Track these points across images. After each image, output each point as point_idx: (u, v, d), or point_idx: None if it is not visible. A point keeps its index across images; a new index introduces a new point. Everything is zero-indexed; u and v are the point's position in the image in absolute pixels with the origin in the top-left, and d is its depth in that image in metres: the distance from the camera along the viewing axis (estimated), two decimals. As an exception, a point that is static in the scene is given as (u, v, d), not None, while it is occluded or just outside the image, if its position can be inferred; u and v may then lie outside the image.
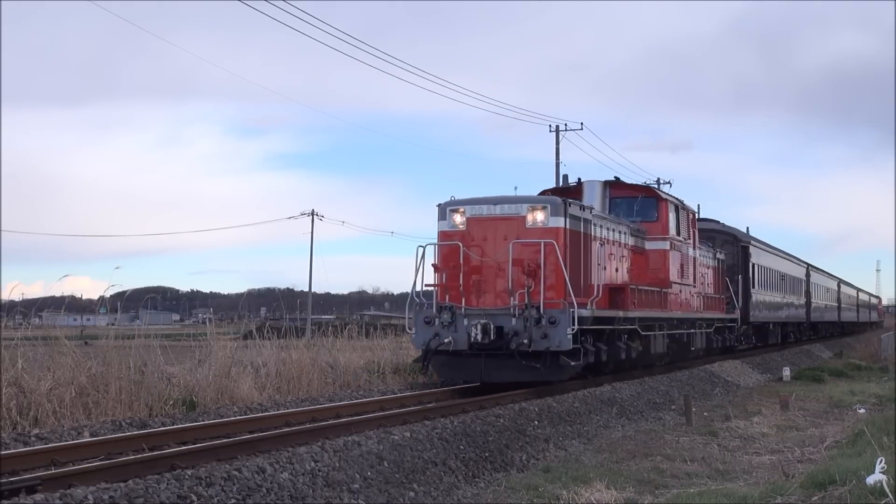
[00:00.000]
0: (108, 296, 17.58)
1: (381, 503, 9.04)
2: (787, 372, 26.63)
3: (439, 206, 16.73)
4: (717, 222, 32.84)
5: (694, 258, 23.74)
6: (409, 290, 16.60)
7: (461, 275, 16.05)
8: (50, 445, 10.03)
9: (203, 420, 12.57)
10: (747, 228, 38.88)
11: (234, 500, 7.96)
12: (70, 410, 12.71)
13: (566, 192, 19.41)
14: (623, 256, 19.40)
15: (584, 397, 15.72)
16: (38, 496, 7.17)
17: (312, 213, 66.60)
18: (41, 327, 16.78)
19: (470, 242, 16.29)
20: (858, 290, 73.51)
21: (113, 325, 17.82)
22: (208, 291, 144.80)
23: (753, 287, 32.35)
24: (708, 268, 26.37)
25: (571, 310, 15.28)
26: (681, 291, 22.45)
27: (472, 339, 15.47)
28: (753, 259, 32.81)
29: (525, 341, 15.30)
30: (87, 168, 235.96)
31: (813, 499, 8.74)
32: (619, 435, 14.36)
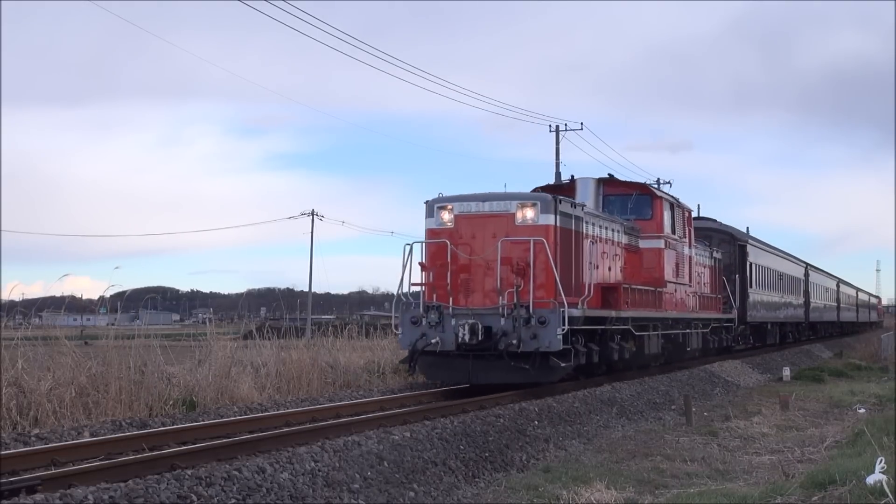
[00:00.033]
0: (108, 296, 17.59)
1: (381, 503, 9.04)
2: (786, 372, 26.60)
3: (427, 203, 16.39)
4: (714, 221, 32.58)
5: (690, 257, 23.38)
6: (395, 289, 16.27)
7: (449, 273, 15.72)
8: (50, 445, 10.03)
9: (203, 420, 12.57)
10: (747, 228, 38.90)
11: (234, 500, 7.96)
12: (70, 410, 12.71)
13: (559, 190, 19.08)
14: (616, 255, 19.04)
15: (584, 397, 15.71)
16: (38, 496, 7.17)
17: (312, 213, 66.64)
18: (41, 327, 16.77)
19: (458, 240, 15.93)
20: (858, 289, 73.40)
21: (113, 325, 17.82)
22: (208, 291, 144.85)
23: (751, 287, 32.05)
24: (704, 267, 26.04)
25: (562, 309, 14.92)
26: (676, 291, 22.11)
27: (460, 339, 15.13)
28: (751, 258, 32.50)
29: (514, 342, 14.96)
30: (87, 168, 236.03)
31: (813, 499, 8.74)
32: (619, 435, 14.36)
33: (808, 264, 47.43)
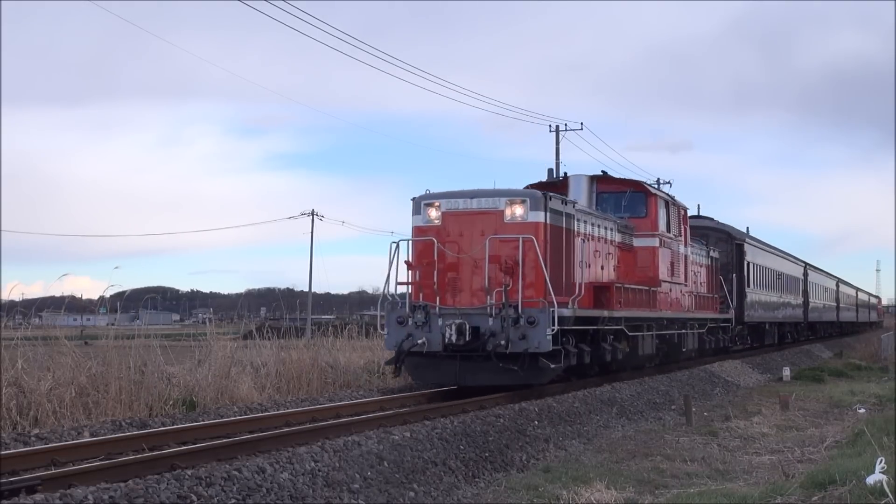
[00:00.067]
0: (108, 296, 17.58)
1: (381, 503, 9.04)
2: (786, 372, 26.57)
3: (414, 199, 16.02)
4: (711, 219, 32.27)
5: (685, 256, 23.02)
6: (381, 288, 15.95)
7: (436, 272, 15.35)
8: (50, 445, 10.03)
9: (203, 420, 12.56)
10: (747, 228, 38.75)
11: (234, 500, 7.96)
12: (70, 410, 12.71)
13: (552, 187, 18.63)
14: (609, 253, 18.67)
15: (584, 397, 15.70)
16: (38, 496, 7.17)
17: (312, 213, 66.65)
18: (41, 327, 16.78)
19: (445, 238, 15.54)
20: (858, 289, 73.29)
21: (113, 325, 17.83)
22: (208, 291, 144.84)
23: (748, 286, 31.72)
24: (701, 266, 25.67)
25: (551, 309, 14.54)
26: (671, 290, 21.73)
27: (447, 339, 14.75)
28: (748, 257, 32.17)
29: (502, 342, 14.58)
30: (87, 168, 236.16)
31: (813, 499, 8.74)
32: (619, 435, 14.35)
33: (806, 264, 47.11)
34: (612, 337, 17.79)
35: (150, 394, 13.97)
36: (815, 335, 48.65)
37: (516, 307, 14.67)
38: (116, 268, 35.73)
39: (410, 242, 15.81)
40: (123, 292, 19.05)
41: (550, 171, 21.23)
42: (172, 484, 7.79)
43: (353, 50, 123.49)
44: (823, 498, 8.71)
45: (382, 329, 15.81)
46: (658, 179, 52.26)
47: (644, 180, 22.15)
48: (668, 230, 21.28)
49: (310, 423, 12.35)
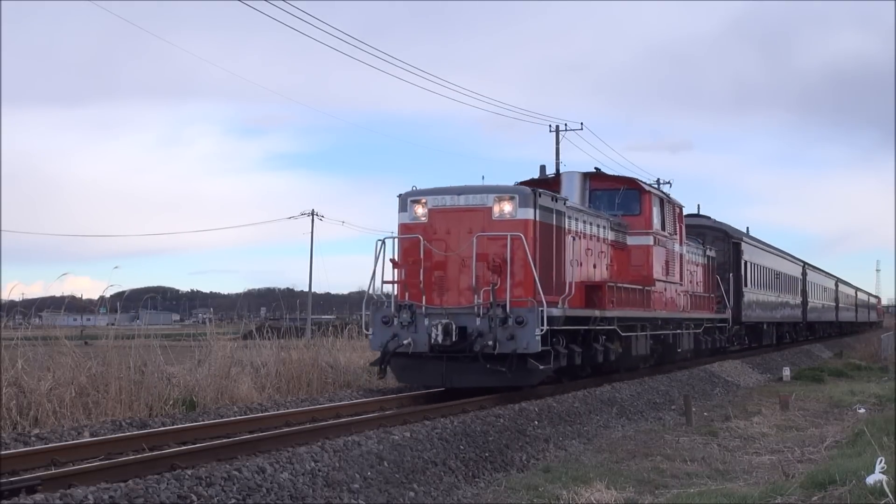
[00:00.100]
0: (108, 296, 17.57)
1: (381, 503, 9.04)
2: (787, 372, 26.55)
3: (400, 196, 15.61)
4: (708, 218, 31.92)
5: (680, 255, 22.59)
6: (366, 287, 15.60)
7: (422, 271, 14.97)
8: (50, 445, 10.03)
9: (203, 420, 12.57)
10: (747, 228, 38.66)
11: (234, 500, 7.96)
12: (70, 410, 12.71)
13: (544, 184, 18.08)
14: (602, 252, 18.25)
15: (584, 397, 15.69)
16: (38, 496, 7.17)
17: (312, 213, 66.62)
18: (41, 327, 16.78)
19: (432, 236, 15.13)
20: (857, 289, 73.18)
21: (113, 325, 17.82)
22: (208, 291, 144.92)
23: (746, 286, 31.36)
24: (697, 265, 25.27)
25: (540, 309, 14.12)
26: (666, 290, 21.29)
27: (433, 340, 14.38)
28: (746, 256, 31.81)
29: (490, 343, 14.18)
30: (87, 168, 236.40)
31: (813, 499, 8.74)
32: (619, 435, 14.35)
33: (805, 263, 46.79)
34: (604, 337, 17.42)
35: (150, 394, 13.97)
36: (813, 335, 48.36)
37: (504, 307, 14.31)
38: (116, 268, 35.81)
39: (396, 240, 15.44)
40: (123, 292, 19.04)
41: (543, 167, 20.53)
42: (172, 484, 7.79)
43: (353, 50, 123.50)
44: (823, 498, 8.71)
45: (367, 329, 15.47)
46: (658, 179, 52.31)
47: (637, 177, 21.59)
48: (663, 228, 20.88)
49: (310, 423, 12.35)
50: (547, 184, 18.58)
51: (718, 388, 22.04)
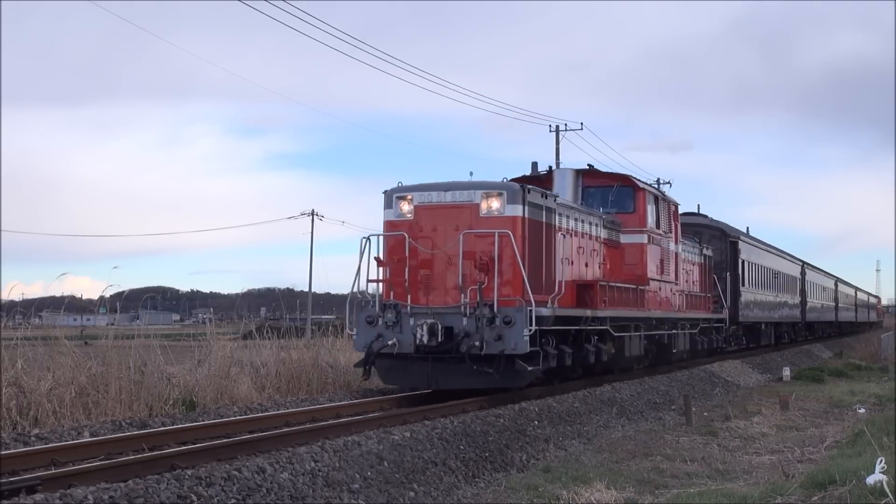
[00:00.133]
0: (108, 296, 17.57)
1: (381, 503, 9.04)
2: (787, 372, 26.54)
3: (385, 192, 15.20)
4: (705, 216, 31.52)
5: (676, 253, 22.17)
6: (351, 286, 15.14)
7: (407, 269, 14.57)
8: (50, 445, 10.03)
9: (203, 420, 12.56)
10: (747, 228, 38.53)
11: (234, 500, 7.96)
12: (70, 410, 12.71)
13: (535, 181, 17.76)
14: (594, 250, 17.82)
15: (584, 397, 15.69)
16: (38, 496, 7.17)
17: (312, 213, 66.60)
18: (41, 327, 16.78)
19: (418, 233, 14.70)
20: (857, 289, 73.04)
21: (113, 325, 17.82)
22: (208, 291, 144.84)
23: (743, 285, 31.00)
24: (693, 264, 24.89)
25: (529, 308, 13.72)
26: (660, 289, 20.88)
27: (418, 340, 14.01)
28: (743, 255, 31.41)
29: (477, 343, 13.77)
30: (87, 168, 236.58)
31: (813, 499, 8.74)
32: (619, 435, 14.35)
33: (804, 263, 46.45)
34: (596, 338, 17.07)
35: (150, 394, 13.96)
36: (812, 335, 48.08)
37: (491, 306, 13.91)
38: (115, 268, 35.73)
39: (380, 238, 15.08)
40: (122, 292, 19.04)
41: (534, 164, 20.07)
42: (172, 484, 7.79)
43: (353, 50, 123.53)
44: (823, 498, 8.71)
45: (351, 329, 15.12)
46: (658, 179, 52.18)
47: (632, 174, 21.08)
48: (658, 226, 20.48)
49: (310, 423, 12.34)
50: (539, 181, 18.21)
51: (718, 388, 22.04)
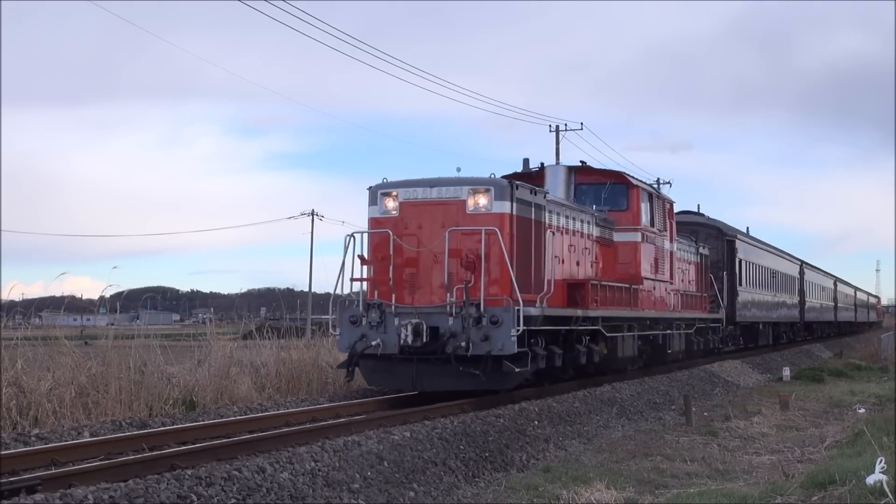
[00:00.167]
0: (108, 296, 17.58)
1: (381, 503, 9.04)
2: (786, 372, 26.52)
3: (370, 189, 14.81)
4: (701, 215, 31.12)
5: (671, 252, 21.74)
6: (335, 285, 14.79)
7: (391, 268, 14.20)
8: (50, 445, 10.04)
9: (203, 420, 12.57)
10: (747, 228, 38.43)
11: (234, 500, 7.96)
12: (70, 410, 12.72)
13: (527, 178, 17.26)
14: (586, 248, 17.41)
15: (584, 397, 15.69)
16: (38, 496, 7.17)
17: (312, 213, 66.56)
18: (41, 327, 16.79)
19: (403, 231, 14.34)
20: (856, 289, 72.88)
21: (113, 325, 17.83)
22: (208, 291, 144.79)
23: (740, 284, 30.63)
24: (689, 263, 24.50)
25: (517, 308, 13.34)
26: (655, 288, 20.45)
27: (403, 341, 13.66)
28: (740, 255, 31.02)
29: (463, 344, 13.37)
30: (87, 168, 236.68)
31: (813, 499, 8.74)
32: (619, 435, 14.35)
33: (803, 262, 46.08)
34: (588, 338, 16.68)
35: (150, 394, 13.97)
36: (811, 336, 47.74)
37: (478, 306, 13.55)
38: (115, 268, 35.82)
39: (364, 235, 14.71)
40: (122, 292, 19.05)
41: (526, 160, 19.54)
42: (172, 484, 7.79)
43: (353, 50, 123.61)
44: (823, 498, 8.71)
45: (334, 329, 14.74)
46: (658, 179, 52.29)
47: (625, 171, 20.71)
48: (652, 224, 20.05)
49: (310, 423, 12.34)
50: (531, 178, 17.83)
51: (718, 388, 22.04)
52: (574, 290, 16.36)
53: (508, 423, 12.63)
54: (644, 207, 19.49)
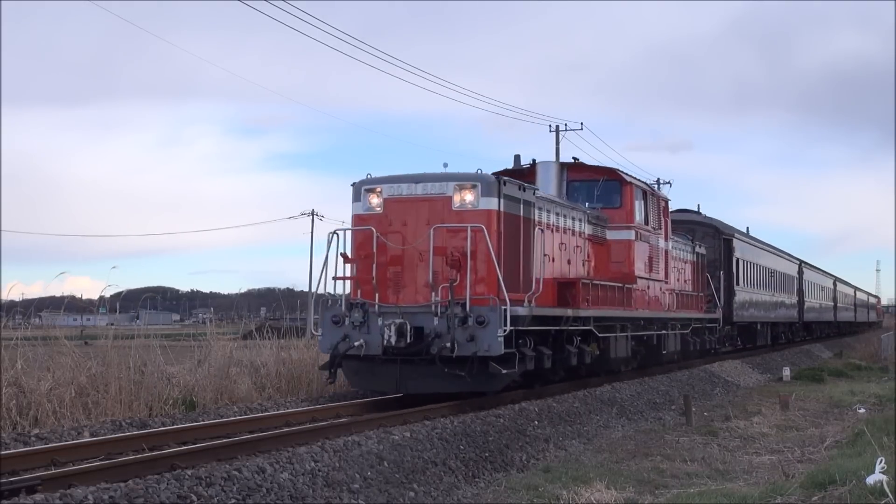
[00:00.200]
0: (108, 296, 17.59)
1: (381, 503, 9.04)
2: (787, 372, 26.51)
3: (354, 185, 14.42)
4: (698, 213, 30.93)
5: (666, 251, 21.31)
6: (315, 284, 14.47)
7: (375, 266, 13.81)
8: (50, 445, 10.03)
9: (203, 420, 12.57)
10: (747, 228, 38.37)
11: (234, 500, 7.96)
12: (70, 410, 12.72)
13: (518, 174, 16.69)
14: (577, 247, 17.02)
15: (584, 397, 15.69)
16: (38, 496, 7.17)
17: (312, 213, 66.54)
18: (41, 327, 16.80)
19: (387, 228, 13.95)
20: (856, 289, 72.75)
21: (112, 325, 17.84)
22: (208, 291, 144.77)
23: (738, 284, 30.32)
24: (685, 262, 24.08)
25: (504, 307, 12.96)
26: (649, 287, 19.99)
27: (386, 341, 13.32)
28: (738, 254, 30.72)
29: (448, 345, 12.98)
30: (87, 168, 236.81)
31: (813, 499, 8.74)
32: (619, 435, 14.35)
33: (801, 262, 45.82)
34: (579, 339, 16.30)
35: (149, 394, 13.97)
36: (810, 336, 47.42)
37: (464, 305, 13.16)
38: (114, 268, 35.83)
39: (347, 232, 14.32)
40: (122, 292, 19.06)
41: (517, 157, 18.99)
42: (172, 484, 7.79)
43: (353, 50, 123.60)
44: (823, 498, 8.71)
45: (316, 329, 14.38)
46: (658, 179, 52.25)
47: (618, 167, 20.36)
48: (646, 222, 19.61)
49: (310, 423, 12.34)
50: (522, 174, 17.32)
51: (718, 388, 22.04)
52: (564, 289, 15.98)
53: (508, 423, 12.63)
54: (638, 205, 19.17)
